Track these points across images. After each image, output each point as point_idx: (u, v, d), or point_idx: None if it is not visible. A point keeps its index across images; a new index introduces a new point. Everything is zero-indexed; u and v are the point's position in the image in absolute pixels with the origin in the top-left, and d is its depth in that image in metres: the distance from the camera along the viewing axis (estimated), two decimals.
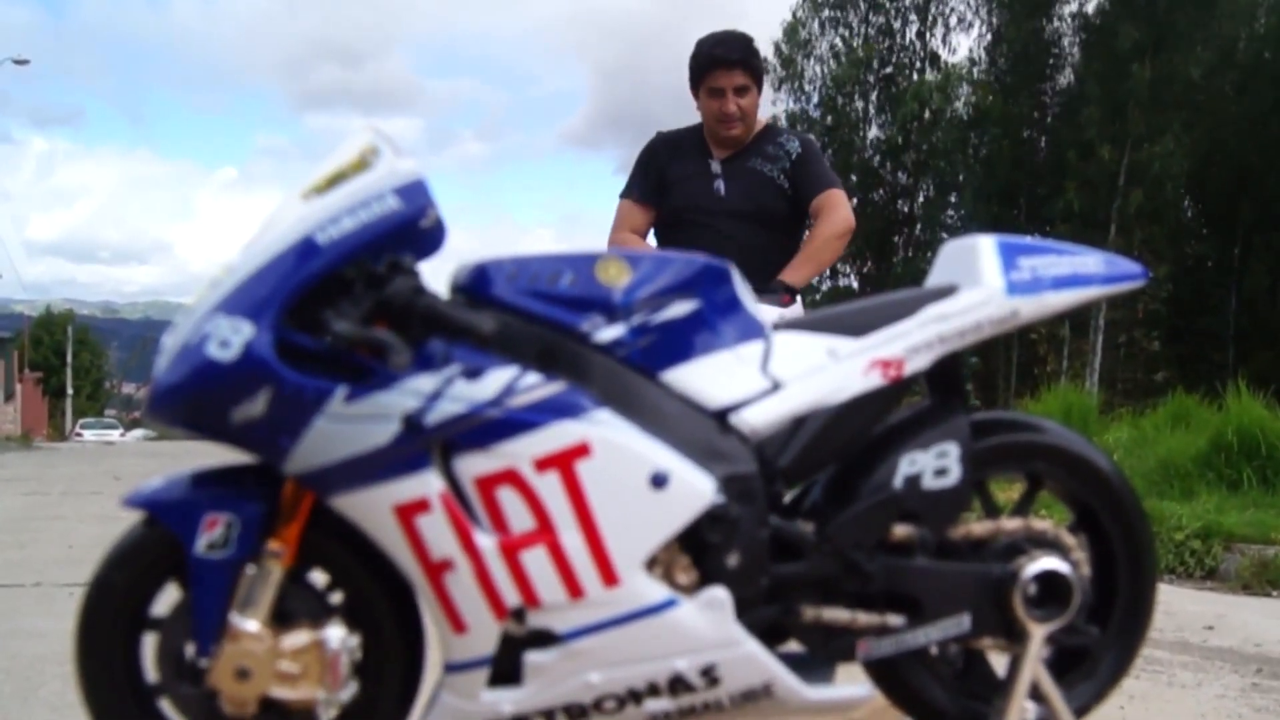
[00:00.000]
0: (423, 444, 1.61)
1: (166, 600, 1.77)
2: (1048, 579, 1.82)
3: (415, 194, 1.64)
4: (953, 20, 32.08)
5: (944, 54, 32.00)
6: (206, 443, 1.68)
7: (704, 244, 2.74)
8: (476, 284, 1.72)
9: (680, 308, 1.75)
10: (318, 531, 1.72)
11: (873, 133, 31.88)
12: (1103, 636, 1.92)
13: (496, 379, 1.63)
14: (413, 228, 1.64)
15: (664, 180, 3.10)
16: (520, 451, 1.63)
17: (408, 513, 1.62)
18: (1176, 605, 4.95)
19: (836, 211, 3.02)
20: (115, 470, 15.07)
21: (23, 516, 8.61)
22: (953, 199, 31.64)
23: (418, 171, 1.66)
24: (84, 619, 1.73)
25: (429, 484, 1.62)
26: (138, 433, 47.64)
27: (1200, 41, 27.30)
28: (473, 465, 1.63)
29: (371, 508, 1.63)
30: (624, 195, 3.24)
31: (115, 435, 45.85)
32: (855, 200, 31.30)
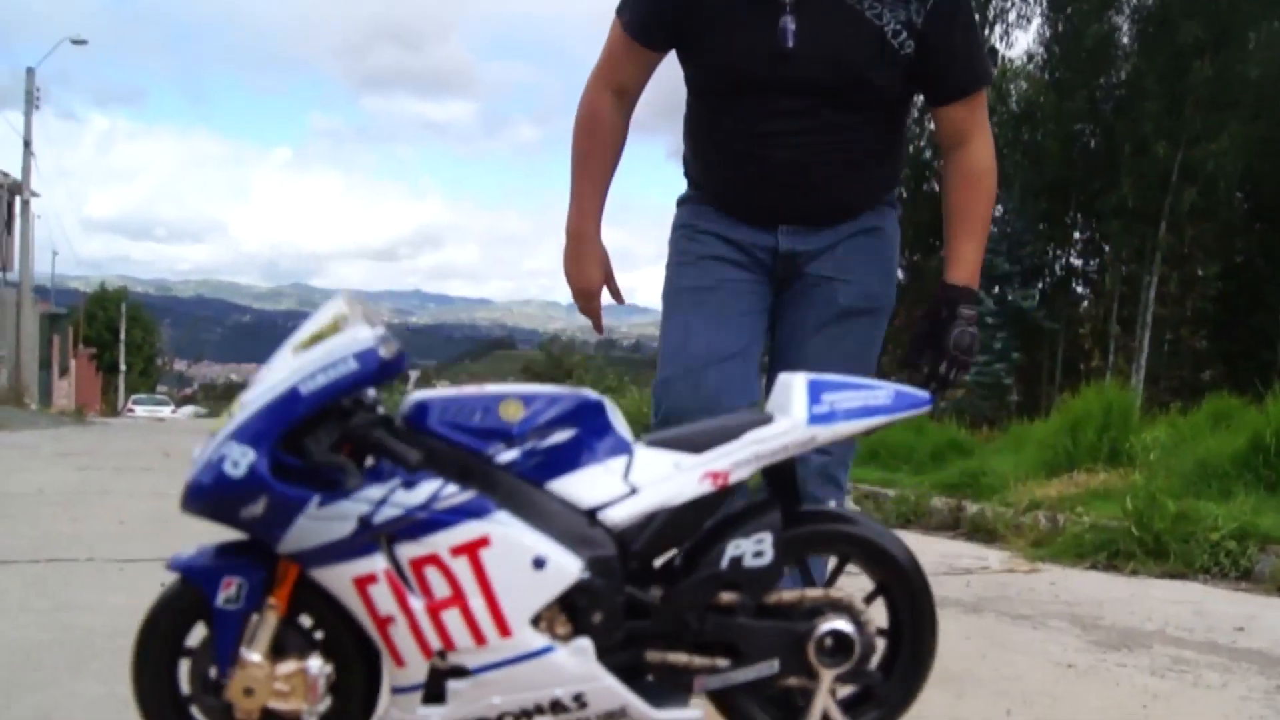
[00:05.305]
0: (372, 536, 2.25)
1: (197, 635, 2.29)
2: (837, 635, 2.44)
3: (368, 358, 2.27)
4: (1011, 16, 32.05)
5: (1001, 49, 32.02)
6: None
7: (757, 134, 2.09)
8: (417, 416, 2.36)
9: (562, 434, 2.37)
10: (304, 588, 2.37)
11: (930, 126, 32.04)
12: (886, 681, 2.53)
13: (425, 489, 2.27)
14: (368, 381, 2.30)
15: (693, 8, 2.20)
16: (441, 542, 2.26)
17: (362, 583, 2.26)
18: (1209, 605, 4.92)
19: (986, 151, 2.25)
20: (166, 446, 15.25)
21: (76, 490, 8.73)
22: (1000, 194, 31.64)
23: (370, 339, 2.29)
24: (139, 647, 2.39)
25: (376, 564, 2.26)
26: (188, 409, 47.86)
27: (1260, 41, 27.03)
28: (408, 550, 2.27)
29: (337, 579, 2.28)
30: (619, 12, 2.47)
31: (166, 411, 46.13)
32: (906, 193, 31.67)
